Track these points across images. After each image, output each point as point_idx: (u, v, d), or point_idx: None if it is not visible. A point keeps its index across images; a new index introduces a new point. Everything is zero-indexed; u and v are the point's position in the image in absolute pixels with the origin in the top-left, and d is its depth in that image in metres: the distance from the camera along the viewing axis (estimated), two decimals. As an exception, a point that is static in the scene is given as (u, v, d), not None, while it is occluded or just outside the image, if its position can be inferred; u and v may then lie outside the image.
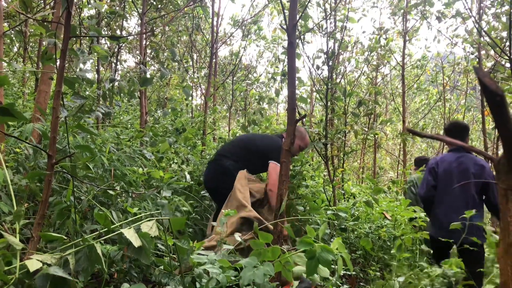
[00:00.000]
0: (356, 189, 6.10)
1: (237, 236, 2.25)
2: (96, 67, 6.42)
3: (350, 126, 5.13)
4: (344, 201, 5.19)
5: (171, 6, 6.37)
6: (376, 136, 8.61)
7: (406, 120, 9.48)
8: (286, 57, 3.14)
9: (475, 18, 5.67)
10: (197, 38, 9.04)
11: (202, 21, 8.61)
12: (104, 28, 6.77)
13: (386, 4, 8.44)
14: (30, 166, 2.69)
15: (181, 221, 2.00)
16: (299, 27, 4.70)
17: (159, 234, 1.91)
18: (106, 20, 6.49)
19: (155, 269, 2.25)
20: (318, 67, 5.03)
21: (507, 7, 5.42)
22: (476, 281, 2.27)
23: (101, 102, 4.60)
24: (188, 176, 4.06)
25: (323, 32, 4.95)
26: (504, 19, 5.52)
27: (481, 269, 2.59)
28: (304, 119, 4.97)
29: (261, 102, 6.07)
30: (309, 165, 5.40)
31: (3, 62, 2.84)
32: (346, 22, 5.12)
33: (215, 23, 7.02)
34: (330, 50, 4.82)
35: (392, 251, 2.66)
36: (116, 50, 7.03)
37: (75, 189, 2.43)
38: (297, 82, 5.25)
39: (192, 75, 9.20)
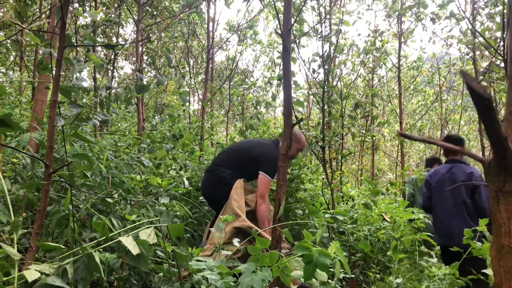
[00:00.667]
0: (355, 192, 6.10)
1: (236, 242, 2.25)
2: (93, 75, 6.44)
3: (348, 129, 5.15)
4: (343, 203, 5.20)
5: (166, 13, 6.39)
6: (374, 138, 8.63)
7: (403, 122, 9.49)
8: (282, 61, 3.15)
9: (468, 19, 5.70)
10: (193, 44, 9.07)
11: (197, 26, 8.64)
12: (100, 35, 6.79)
13: (381, 6, 8.48)
14: (27, 175, 2.69)
15: (180, 228, 2.00)
16: (294, 31, 4.72)
17: (158, 241, 1.92)
18: (102, 27, 6.51)
19: (155, 276, 2.25)
20: (314, 71, 5.05)
21: (501, 8, 5.45)
22: (482, 283, 2.32)
23: (98, 110, 4.61)
24: (186, 182, 4.06)
25: (319, 36, 4.98)
26: (498, 19, 5.55)
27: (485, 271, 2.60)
28: (301, 123, 4.99)
29: (258, 107, 6.08)
30: (307, 168, 5.41)
31: (-1, 72, 2.85)
32: (341, 25, 5.14)
33: (210, 28, 7.05)
34: (326, 53, 4.84)
35: (388, 253, 2.67)
36: (112, 57, 7.04)
37: (73, 197, 2.44)
38: (293, 85, 5.28)
39: (189, 81, 9.22)
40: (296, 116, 4.60)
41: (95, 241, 1.93)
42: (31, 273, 1.43)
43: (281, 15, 3.01)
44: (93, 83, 6.27)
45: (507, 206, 0.91)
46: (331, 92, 5.06)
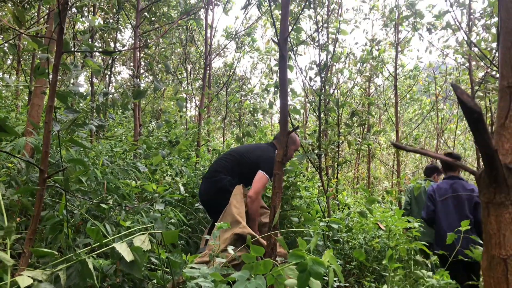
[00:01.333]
0: (351, 200, 6.11)
1: (230, 249, 2.25)
2: (90, 80, 6.44)
3: (344, 137, 5.16)
4: (339, 211, 5.20)
5: (164, 19, 6.42)
6: (370, 146, 8.65)
7: (400, 130, 9.54)
8: (279, 69, 3.17)
9: (464, 30, 5.75)
10: (191, 50, 9.09)
11: (195, 33, 8.67)
12: (98, 40, 6.81)
13: (378, 16, 8.53)
14: (22, 180, 2.69)
15: (174, 235, 2.00)
16: (291, 40, 4.75)
17: (152, 248, 1.92)
18: (99, 33, 6.53)
19: (148, 283, 2.24)
20: (311, 79, 5.07)
21: (496, 19, 5.50)
22: None
23: (94, 115, 4.61)
24: (182, 188, 4.05)
25: (316, 44, 5.00)
26: (493, 30, 5.60)
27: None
28: (297, 130, 5.00)
29: (255, 114, 6.10)
30: (303, 176, 5.42)
31: (-4, 77, 2.85)
32: (338, 34, 5.18)
33: (208, 35, 7.07)
34: (323, 61, 4.86)
35: (383, 262, 2.67)
36: (110, 62, 7.05)
37: (67, 203, 2.43)
38: (290, 93, 5.30)
39: (186, 87, 9.23)
40: (292, 124, 4.61)
41: (89, 247, 1.92)
42: (24, 279, 1.42)
43: (278, 23, 3.03)
44: (90, 88, 6.27)
45: (498, 217, 0.92)
46: (328, 100, 5.08)
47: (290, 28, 3.11)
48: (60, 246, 2.35)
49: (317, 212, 4.57)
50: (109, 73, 7.38)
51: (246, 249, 2.81)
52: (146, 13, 6.03)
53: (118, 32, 7.38)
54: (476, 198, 3.91)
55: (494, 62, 4.67)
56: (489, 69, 5.03)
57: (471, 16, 6.28)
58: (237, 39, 8.47)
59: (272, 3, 4.53)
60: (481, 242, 2.90)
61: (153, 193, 3.23)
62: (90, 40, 6.14)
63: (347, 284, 3.53)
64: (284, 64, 2.88)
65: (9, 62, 8.47)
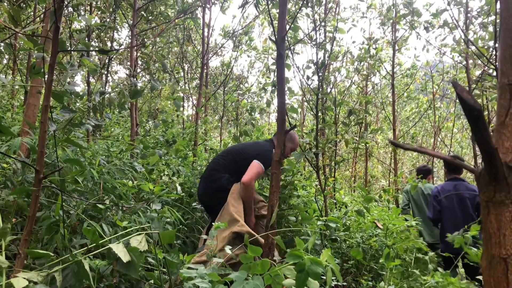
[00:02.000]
0: (348, 198, 6.11)
1: (228, 249, 2.24)
2: (87, 79, 6.41)
3: (341, 136, 5.15)
4: (336, 210, 5.20)
5: (161, 18, 6.39)
6: (367, 145, 8.65)
7: (397, 129, 9.53)
8: (276, 68, 3.16)
9: (461, 28, 5.75)
10: (188, 49, 9.07)
11: (193, 32, 8.65)
12: (95, 39, 6.78)
13: (375, 14, 8.53)
14: (18, 181, 2.67)
15: (171, 235, 1.98)
16: (288, 38, 4.74)
17: (149, 248, 1.90)
18: (96, 32, 6.50)
19: (145, 283, 2.23)
20: (308, 77, 5.06)
21: (493, 17, 5.50)
22: None
23: (91, 115, 4.58)
24: (179, 188, 4.04)
25: (313, 43, 4.99)
26: (490, 28, 5.60)
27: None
28: (295, 129, 4.99)
29: (252, 113, 6.08)
30: (301, 175, 5.41)
31: (-9, 76, 2.82)
32: (336, 33, 5.17)
33: (206, 34, 7.05)
34: (320, 60, 4.85)
35: (380, 260, 2.66)
36: (106, 61, 7.02)
37: (64, 203, 2.41)
38: (287, 92, 5.29)
39: (183, 86, 9.21)
40: (290, 123, 4.60)
41: (85, 248, 1.91)
42: (19, 281, 1.41)
43: (275, 22, 3.02)
44: (86, 87, 6.25)
45: (498, 216, 0.91)
46: (325, 99, 5.07)
47: (287, 26, 3.09)
48: (56, 247, 2.33)
49: (315, 211, 4.56)
50: (105, 72, 7.35)
51: (244, 248, 2.80)
52: (143, 12, 6.01)
53: (115, 31, 7.35)
54: (478, 198, 4.11)
55: (491, 60, 4.67)
56: (486, 67, 5.03)
57: (468, 15, 6.28)
58: (234, 38, 8.45)
59: (269, 2, 4.52)
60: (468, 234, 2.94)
61: (150, 193, 3.21)
62: (86, 39, 6.11)
63: (344, 283, 3.53)
64: (282, 63, 2.87)
65: (5, 61, 8.43)
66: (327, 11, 5.92)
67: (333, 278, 2.71)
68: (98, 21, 6.69)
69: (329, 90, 5.44)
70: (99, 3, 6.50)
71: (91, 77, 6.55)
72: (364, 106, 7.80)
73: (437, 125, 10.13)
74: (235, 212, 3.15)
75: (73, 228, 2.65)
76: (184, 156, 5.35)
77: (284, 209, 4.21)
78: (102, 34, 6.74)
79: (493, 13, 5.44)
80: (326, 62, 5.00)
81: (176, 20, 6.70)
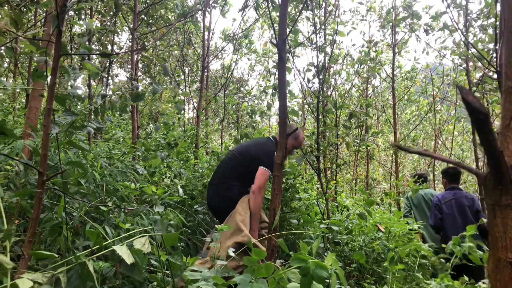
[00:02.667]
0: (350, 201, 6.11)
1: (231, 252, 2.24)
2: (88, 82, 6.42)
3: (342, 138, 5.16)
4: (338, 213, 5.20)
5: (162, 22, 6.41)
6: (368, 147, 8.66)
7: (398, 132, 9.54)
8: (277, 71, 3.17)
9: (461, 30, 5.77)
10: (189, 53, 9.09)
11: (193, 35, 8.67)
12: (95, 43, 6.79)
13: (375, 17, 8.55)
14: (21, 183, 2.67)
15: (174, 237, 1.99)
16: (289, 41, 4.75)
17: (152, 250, 1.90)
18: (97, 35, 6.51)
19: (149, 285, 2.23)
20: (309, 80, 5.07)
21: (493, 20, 5.52)
22: None
23: (92, 117, 4.59)
24: (181, 190, 4.04)
25: (313, 46, 5.01)
26: (490, 31, 5.62)
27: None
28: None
29: (253, 115, 6.09)
30: (302, 178, 5.41)
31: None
32: (336, 36, 5.18)
33: (206, 37, 7.07)
34: (321, 63, 4.86)
35: (384, 264, 2.66)
36: (107, 65, 7.04)
37: (66, 205, 2.42)
38: (288, 95, 5.29)
39: (184, 89, 9.22)
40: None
41: (89, 249, 1.91)
42: (24, 282, 1.41)
43: (276, 25, 3.03)
44: (88, 90, 6.25)
45: (504, 220, 0.91)
46: (326, 101, 5.08)
47: (288, 30, 3.10)
48: (59, 248, 2.34)
49: (316, 214, 4.56)
50: (106, 75, 7.36)
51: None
52: (143, 16, 6.02)
53: (116, 34, 7.37)
54: (476, 206, 4.44)
55: (491, 62, 4.68)
56: (486, 70, 5.04)
57: (468, 17, 6.29)
58: (234, 41, 8.47)
59: (269, 5, 4.53)
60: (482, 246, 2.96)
61: (152, 195, 3.21)
62: (87, 42, 6.13)
63: (348, 287, 3.52)
64: (283, 66, 2.88)
65: (6, 65, 8.44)
66: (327, 14, 5.94)
67: (337, 281, 2.71)
68: (99, 25, 6.71)
69: (329, 93, 5.45)
70: (99, 7, 6.52)
71: (92, 81, 6.57)
72: (364, 109, 7.80)
73: (437, 128, 10.14)
74: (240, 221, 3.13)
75: (75, 230, 2.66)
76: (185, 158, 5.36)
77: (286, 212, 4.21)
78: (102, 37, 6.75)
79: (492, 15, 5.46)
80: (327, 65, 5.01)
81: (177, 24, 6.71)
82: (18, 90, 7.67)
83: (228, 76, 8.92)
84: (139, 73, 7.01)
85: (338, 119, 5.13)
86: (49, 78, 1.93)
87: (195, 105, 8.45)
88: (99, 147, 4.24)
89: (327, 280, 1.83)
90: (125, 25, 7.49)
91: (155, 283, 2.07)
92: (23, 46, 5.97)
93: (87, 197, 2.91)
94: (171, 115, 7.13)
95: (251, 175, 3.48)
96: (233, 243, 2.94)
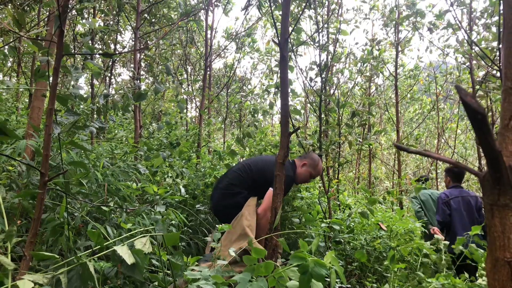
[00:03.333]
0: (352, 200, 6.10)
1: (232, 251, 2.24)
2: (90, 82, 6.44)
3: (345, 137, 5.15)
4: (340, 212, 5.19)
5: (164, 21, 6.41)
6: (371, 146, 8.64)
7: (400, 130, 9.52)
8: (279, 70, 3.16)
9: (465, 29, 5.74)
10: (191, 51, 9.09)
11: (196, 34, 8.67)
12: (98, 42, 6.80)
13: (378, 15, 8.52)
14: (23, 183, 2.68)
15: (175, 237, 1.99)
16: (291, 40, 4.74)
17: (153, 250, 1.91)
18: (99, 34, 6.52)
19: (150, 285, 2.24)
20: (311, 79, 5.06)
21: (497, 18, 5.49)
22: None
23: (95, 117, 4.60)
24: (183, 190, 4.05)
25: (316, 45, 5.00)
26: (494, 29, 5.59)
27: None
28: (298, 131, 4.99)
29: (255, 114, 6.08)
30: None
31: (-4, 79, 2.84)
32: (339, 34, 5.17)
33: (208, 36, 7.07)
34: (323, 62, 4.85)
35: (385, 262, 2.66)
36: (110, 64, 7.05)
37: (68, 205, 2.43)
38: (290, 94, 5.29)
39: (187, 88, 9.23)
40: (293, 125, 4.60)
41: (90, 250, 1.91)
42: (25, 283, 1.42)
43: (278, 24, 3.02)
44: (90, 90, 6.27)
45: (502, 220, 0.91)
46: (328, 100, 5.07)
47: (290, 28, 3.10)
48: (61, 248, 2.34)
49: (318, 212, 4.56)
50: (109, 75, 7.38)
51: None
52: (146, 15, 6.03)
53: (118, 34, 7.38)
54: (479, 204, 4.61)
55: (495, 61, 4.66)
56: (490, 69, 5.02)
57: (472, 16, 6.27)
58: (237, 40, 8.46)
59: (272, 4, 4.52)
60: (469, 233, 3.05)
61: (154, 195, 3.22)
62: (90, 42, 6.14)
63: (348, 285, 3.52)
64: (285, 64, 2.88)
65: (9, 64, 8.47)
66: (330, 13, 5.93)
67: (337, 280, 2.71)
68: (102, 24, 6.72)
69: (332, 91, 5.44)
70: (102, 6, 6.53)
71: (94, 80, 6.58)
72: (367, 107, 7.78)
73: (440, 126, 10.11)
74: (247, 225, 3.10)
75: (77, 230, 2.66)
76: (187, 158, 5.36)
77: (287, 211, 4.21)
78: (105, 37, 6.76)
79: (496, 14, 5.43)
80: (329, 63, 5.00)
81: (179, 23, 6.71)
82: (21, 90, 7.69)
83: (231, 75, 8.92)
84: (142, 72, 7.01)
85: (340, 117, 5.12)
86: (51, 78, 1.93)
87: (198, 104, 8.45)
88: (101, 147, 4.25)
89: (327, 279, 1.83)
90: (128, 24, 7.50)
91: (156, 283, 2.08)
92: (26, 45, 5.99)
93: (89, 197, 2.92)
94: (173, 114, 7.13)
95: (260, 192, 3.45)
96: (238, 249, 2.93)
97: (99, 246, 1.86)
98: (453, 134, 11.02)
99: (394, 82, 8.50)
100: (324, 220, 3.87)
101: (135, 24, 5.30)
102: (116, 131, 6.88)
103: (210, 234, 3.74)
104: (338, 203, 5.37)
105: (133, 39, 5.43)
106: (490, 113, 6.48)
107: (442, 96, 10.20)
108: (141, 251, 1.77)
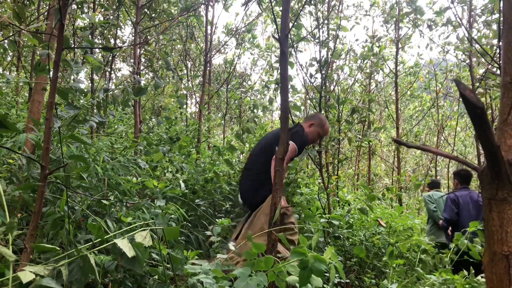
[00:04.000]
0: (351, 196, 6.12)
1: (231, 246, 2.25)
2: (90, 76, 6.43)
3: (344, 134, 5.16)
4: (339, 208, 5.21)
5: (165, 16, 6.40)
6: (371, 143, 8.65)
7: (400, 127, 9.52)
8: (279, 66, 3.16)
9: (465, 26, 5.74)
10: (191, 47, 9.08)
11: (196, 29, 8.65)
12: (98, 37, 6.79)
13: (379, 12, 8.52)
14: (23, 176, 2.69)
15: (175, 231, 2.00)
16: (292, 36, 4.74)
17: (153, 244, 1.92)
18: (100, 29, 6.51)
19: (150, 278, 2.25)
20: (311, 75, 5.06)
21: (497, 15, 5.48)
22: None
23: (95, 112, 4.60)
24: (182, 185, 4.05)
25: (316, 41, 4.99)
26: (494, 26, 5.59)
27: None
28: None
29: (255, 110, 6.08)
30: (304, 173, 5.41)
31: (-4, 73, 2.84)
32: (339, 31, 5.16)
33: (209, 31, 7.06)
34: (323, 58, 4.85)
35: (384, 258, 2.67)
36: (110, 59, 7.04)
37: (68, 199, 2.43)
38: (290, 90, 5.29)
39: (186, 84, 9.22)
40: (293, 121, 4.60)
41: (90, 243, 1.92)
42: (26, 275, 1.43)
43: (279, 20, 3.02)
44: (90, 84, 6.26)
45: (500, 214, 0.92)
46: (328, 97, 5.07)
47: (290, 24, 3.09)
48: (61, 242, 2.35)
49: (318, 208, 4.57)
50: (109, 69, 7.37)
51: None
52: (146, 10, 6.01)
53: (118, 28, 7.37)
54: None
55: (495, 58, 4.66)
56: (490, 66, 5.02)
57: (472, 13, 6.26)
58: (237, 36, 8.45)
59: (273, 0, 4.52)
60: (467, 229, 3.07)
61: (154, 190, 3.23)
62: (90, 36, 6.13)
63: (347, 281, 3.54)
64: (285, 60, 2.88)
65: (9, 58, 8.46)
66: (330, 9, 5.92)
67: (336, 275, 2.73)
68: (102, 19, 6.70)
69: (332, 88, 5.45)
70: (102, 0, 6.52)
71: (94, 75, 6.57)
72: (367, 104, 7.79)
73: (440, 123, 10.12)
74: (266, 222, 3.10)
75: (77, 223, 2.67)
76: (187, 153, 5.37)
77: (287, 207, 4.21)
78: (105, 31, 6.75)
79: (496, 11, 5.43)
80: (329, 60, 5.00)
81: (179, 18, 6.70)
82: (21, 83, 7.69)
83: (231, 70, 8.91)
84: (142, 67, 7.00)
85: (340, 114, 5.12)
86: (51, 72, 1.93)
87: (198, 99, 8.45)
88: (101, 141, 4.26)
89: (326, 274, 1.85)
90: (128, 19, 7.49)
91: (156, 277, 2.09)
92: (26, 39, 5.98)
93: (89, 191, 2.93)
94: (173, 110, 7.13)
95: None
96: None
97: (99, 240, 1.87)
98: (453, 132, 11.03)
99: (394, 79, 8.50)
100: (324, 216, 3.89)
101: (135, 18, 5.29)
102: (116, 126, 6.88)
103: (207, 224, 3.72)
104: (338, 199, 5.38)
105: (133, 34, 5.42)
106: (489, 110, 6.49)
107: (442, 94, 10.21)
108: (141, 245, 1.78)
